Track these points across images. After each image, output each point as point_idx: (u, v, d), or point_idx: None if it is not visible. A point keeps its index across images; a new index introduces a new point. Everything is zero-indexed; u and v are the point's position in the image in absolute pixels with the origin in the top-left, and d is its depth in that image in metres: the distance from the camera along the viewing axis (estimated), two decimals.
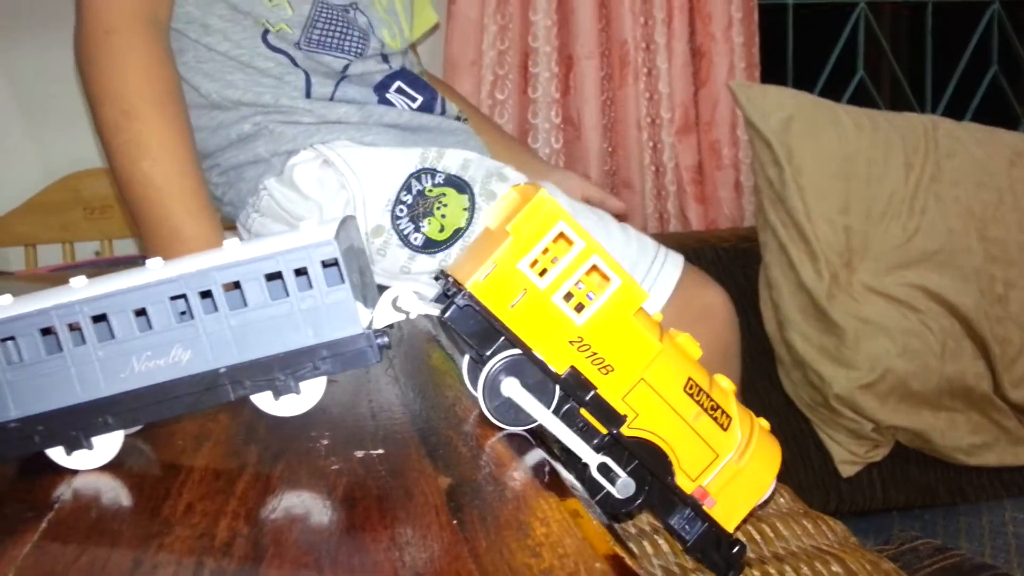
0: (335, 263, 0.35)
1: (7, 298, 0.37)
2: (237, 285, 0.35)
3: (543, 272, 0.38)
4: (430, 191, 0.74)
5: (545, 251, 0.38)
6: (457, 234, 0.74)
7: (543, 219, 0.38)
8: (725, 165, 1.58)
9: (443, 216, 0.73)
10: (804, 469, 1.15)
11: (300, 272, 0.35)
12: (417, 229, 0.73)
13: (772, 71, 1.68)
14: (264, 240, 0.36)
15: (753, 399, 1.08)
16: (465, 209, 0.74)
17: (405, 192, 0.74)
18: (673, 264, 0.82)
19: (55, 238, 1.39)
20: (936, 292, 1.17)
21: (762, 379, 1.24)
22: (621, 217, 0.89)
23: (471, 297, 0.37)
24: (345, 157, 0.74)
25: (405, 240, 0.74)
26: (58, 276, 1.23)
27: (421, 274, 0.75)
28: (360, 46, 0.76)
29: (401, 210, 0.73)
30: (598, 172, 1.56)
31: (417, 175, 0.74)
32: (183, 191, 0.63)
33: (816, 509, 0.66)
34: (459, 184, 0.74)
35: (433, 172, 0.74)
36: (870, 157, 1.23)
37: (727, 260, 1.39)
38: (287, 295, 0.35)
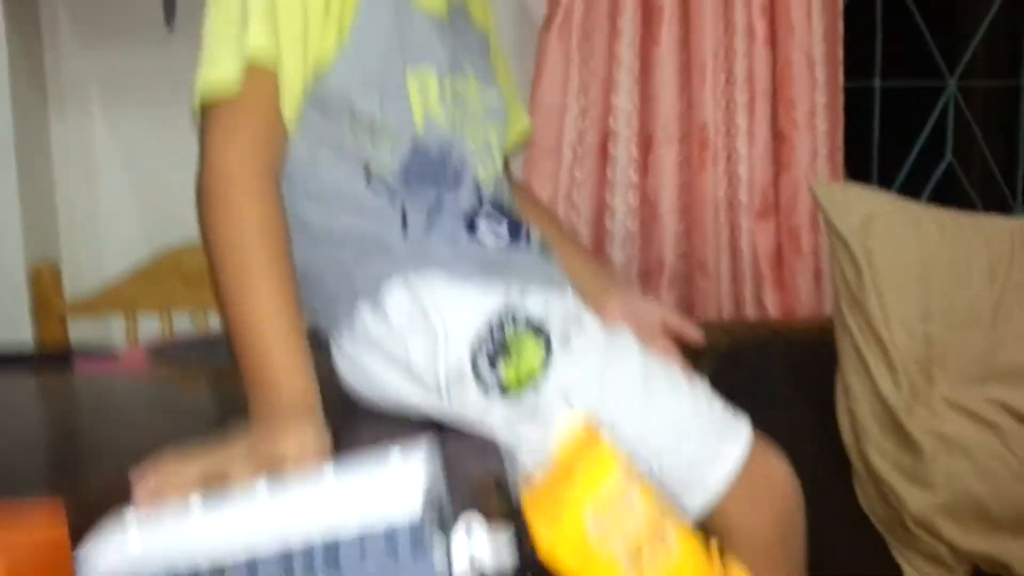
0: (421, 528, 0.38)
1: (134, 535, 0.42)
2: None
3: (605, 522, 0.41)
4: (510, 334, 0.77)
5: (608, 501, 0.41)
6: (532, 379, 0.77)
7: (605, 474, 0.41)
8: (805, 252, 1.57)
9: (519, 361, 0.77)
10: None
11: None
12: (493, 371, 0.77)
13: (857, 154, 1.66)
14: (357, 490, 0.40)
15: (827, 508, 1.07)
16: (541, 356, 0.77)
17: (485, 332, 0.77)
18: (740, 440, 0.81)
19: (154, 307, 1.48)
20: (1019, 410, 1.14)
21: (837, 486, 1.23)
22: (698, 355, 0.90)
23: (542, 569, 0.40)
24: (433, 290, 0.78)
25: (480, 381, 0.77)
26: (158, 352, 1.31)
27: (494, 411, 0.78)
28: (454, 181, 0.81)
29: (479, 350, 0.77)
30: (673, 254, 1.57)
31: (499, 316, 0.78)
32: (284, 348, 0.68)
33: None
34: (538, 329, 0.78)
35: (514, 314, 0.78)
36: (952, 259, 1.21)
37: (802, 354, 1.38)
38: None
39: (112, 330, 1.54)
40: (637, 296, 1.02)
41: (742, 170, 1.55)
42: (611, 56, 1.53)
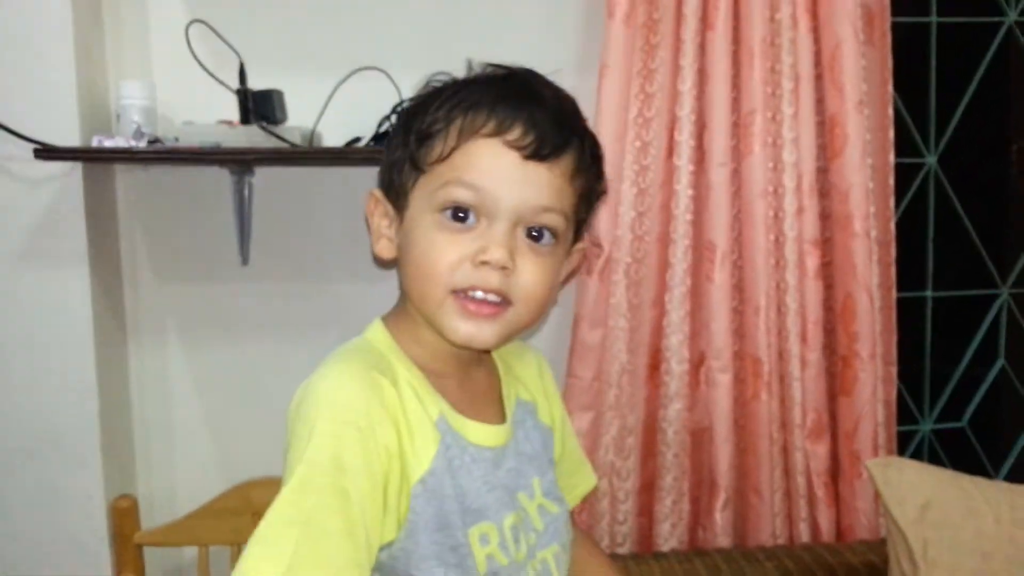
0: None
1: None
2: None
3: None
4: None
5: None
6: None
7: None
8: (865, 477, 1.57)
9: None
10: None
11: None
12: None
13: (910, 359, 1.66)
14: None
15: None
16: None
17: None
18: None
19: (226, 541, 1.53)
20: None
21: None
22: None
23: None
24: None
25: None
26: None
27: None
28: None
29: None
30: (727, 476, 1.58)
31: None
32: None
33: None
34: None
35: None
36: (1008, 556, 1.22)
37: None
38: None
39: (185, 558, 1.61)
40: None
41: (795, 392, 1.56)
42: (662, 285, 1.56)
